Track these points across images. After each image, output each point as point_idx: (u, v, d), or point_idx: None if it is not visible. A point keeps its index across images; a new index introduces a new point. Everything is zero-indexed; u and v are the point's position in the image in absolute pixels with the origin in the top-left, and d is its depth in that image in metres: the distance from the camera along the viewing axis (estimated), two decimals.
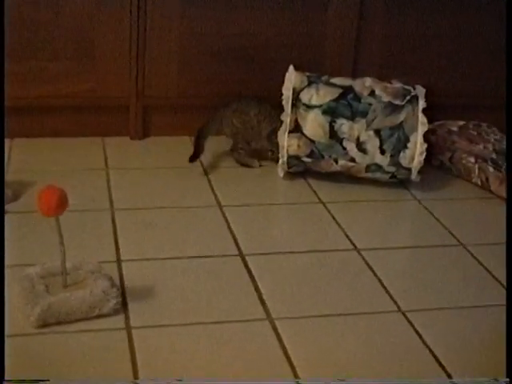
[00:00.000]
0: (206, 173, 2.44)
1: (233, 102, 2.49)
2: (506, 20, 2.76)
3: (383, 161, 2.31)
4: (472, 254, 2.05)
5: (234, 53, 2.68)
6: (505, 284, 1.91)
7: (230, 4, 2.62)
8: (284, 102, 2.33)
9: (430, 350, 1.63)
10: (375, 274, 1.91)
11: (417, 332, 1.69)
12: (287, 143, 2.33)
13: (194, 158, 2.45)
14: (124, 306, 1.70)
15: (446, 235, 2.15)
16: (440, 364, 1.59)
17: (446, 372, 1.56)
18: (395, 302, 1.79)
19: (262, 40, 2.69)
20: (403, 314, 1.75)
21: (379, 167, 2.33)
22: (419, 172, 2.34)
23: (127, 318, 1.66)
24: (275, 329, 1.66)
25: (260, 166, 2.52)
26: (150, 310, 1.70)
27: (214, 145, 2.61)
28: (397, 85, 2.36)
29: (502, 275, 1.94)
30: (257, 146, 2.52)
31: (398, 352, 1.63)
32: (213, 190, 2.32)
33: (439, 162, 2.58)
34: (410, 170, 2.32)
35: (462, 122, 2.70)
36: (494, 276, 1.95)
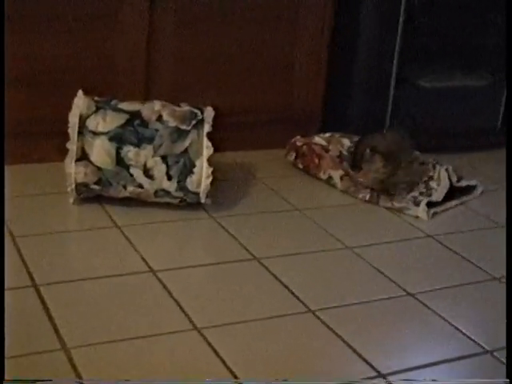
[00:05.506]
0: None
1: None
2: (506, 20, 2.87)
3: (170, 186, 2.33)
4: (266, 267, 2.13)
5: (23, 77, 2.62)
6: (296, 292, 2.00)
7: (15, 27, 2.56)
8: (70, 130, 2.30)
9: (224, 363, 1.68)
10: (171, 295, 1.93)
11: (212, 347, 1.73)
12: (74, 171, 2.31)
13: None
14: None
15: (241, 250, 2.22)
16: (235, 376, 1.64)
17: None
18: (190, 320, 1.83)
19: (51, 64, 2.64)
20: (199, 332, 1.79)
21: (167, 193, 2.35)
22: (208, 195, 2.37)
23: None
24: (70, 359, 1.64)
25: None
26: None
27: (6, 174, 2.56)
28: (185, 108, 2.39)
29: (294, 285, 2.03)
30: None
31: (196, 368, 1.66)
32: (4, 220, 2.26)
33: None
34: (198, 194, 2.36)
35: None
36: (285, 286, 2.03)
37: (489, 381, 1.69)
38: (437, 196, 2.63)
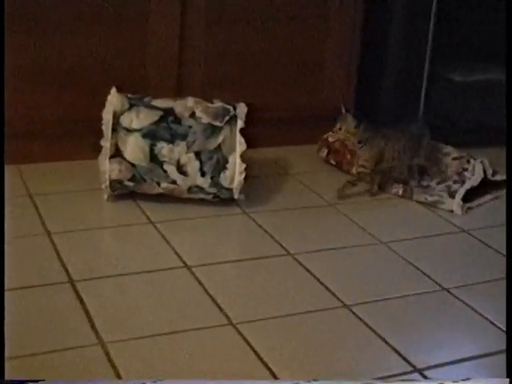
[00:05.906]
0: (32, 200, 2.40)
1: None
2: (506, 19, 2.85)
3: (204, 183, 2.34)
4: (300, 262, 2.13)
5: (56, 77, 2.65)
6: (331, 288, 2.00)
7: (48, 29, 2.59)
8: (104, 127, 2.32)
9: (260, 358, 1.68)
10: (206, 290, 1.94)
11: (247, 342, 1.74)
12: (109, 168, 2.32)
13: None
14: None
15: (275, 246, 2.22)
16: (270, 370, 1.64)
17: (275, 377, 1.62)
18: (226, 316, 1.84)
19: (84, 63, 2.67)
20: (234, 327, 1.80)
21: (201, 189, 2.36)
22: (241, 191, 2.38)
23: None
24: (107, 353, 1.66)
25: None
26: None
27: (42, 171, 2.58)
28: (218, 104, 2.40)
29: (329, 280, 2.03)
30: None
31: (232, 363, 1.67)
32: (40, 217, 2.28)
33: None
34: (231, 190, 2.36)
35: None
36: (320, 281, 2.03)
37: (489, 380, 1.68)
38: (472, 182, 2.62)
